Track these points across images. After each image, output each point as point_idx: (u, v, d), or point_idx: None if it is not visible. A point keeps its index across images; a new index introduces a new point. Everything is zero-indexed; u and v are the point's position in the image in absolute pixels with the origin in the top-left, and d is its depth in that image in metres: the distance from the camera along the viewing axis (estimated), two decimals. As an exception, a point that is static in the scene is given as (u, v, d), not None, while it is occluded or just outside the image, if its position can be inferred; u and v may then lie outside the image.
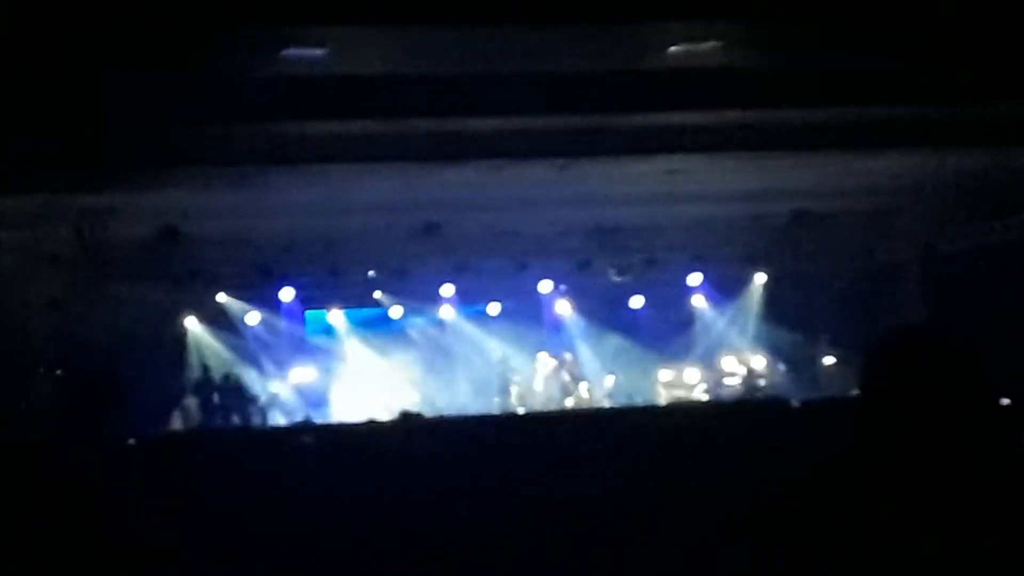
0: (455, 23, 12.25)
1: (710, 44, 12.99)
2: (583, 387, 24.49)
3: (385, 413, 20.62)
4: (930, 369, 3.20)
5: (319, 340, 25.33)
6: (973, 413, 3.16)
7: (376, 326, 25.50)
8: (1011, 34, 12.54)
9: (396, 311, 25.13)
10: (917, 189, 20.06)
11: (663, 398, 24.37)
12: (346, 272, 22.96)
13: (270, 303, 23.87)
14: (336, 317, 25.24)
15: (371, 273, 23.59)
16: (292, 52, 12.49)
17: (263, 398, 23.47)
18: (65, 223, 18.82)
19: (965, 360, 3.22)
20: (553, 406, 24.11)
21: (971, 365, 3.21)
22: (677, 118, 15.12)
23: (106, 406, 7.13)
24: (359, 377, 24.94)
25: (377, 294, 24.51)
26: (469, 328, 25.72)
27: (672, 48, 13.03)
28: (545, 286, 24.70)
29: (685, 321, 25.77)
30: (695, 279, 24.98)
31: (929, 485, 3.11)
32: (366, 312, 25.39)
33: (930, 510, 3.07)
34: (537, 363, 24.96)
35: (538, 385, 24.78)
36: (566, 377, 24.67)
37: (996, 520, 3.02)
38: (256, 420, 22.43)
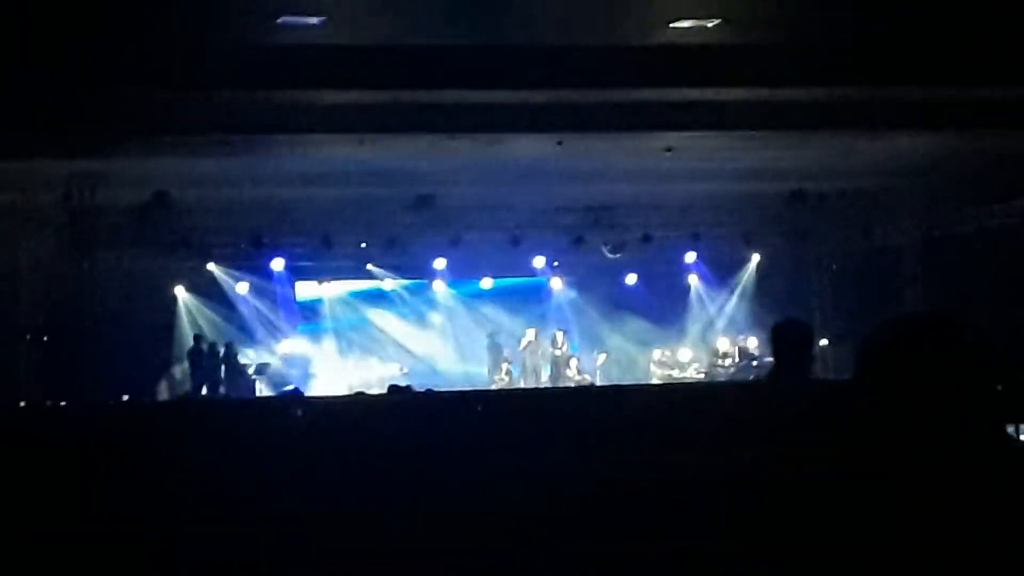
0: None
1: (712, 21, 12.88)
2: (573, 363, 24.33)
3: (375, 386, 20.51)
4: (932, 358, 3.12)
5: (309, 311, 25.22)
6: (975, 402, 3.08)
7: (371, 301, 25.42)
8: (1014, 18, 12.46)
9: (388, 285, 25.02)
10: (916, 171, 19.97)
11: (656, 377, 24.23)
12: (338, 243, 22.74)
13: (261, 273, 23.72)
14: (327, 289, 25.15)
15: (363, 245, 23.36)
16: (288, 20, 12.35)
17: (252, 368, 23.35)
18: (54, 188, 18.71)
19: (969, 350, 3.15)
20: (543, 383, 23.97)
21: (975, 355, 3.14)
22: (676, 95, 15.01)
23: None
24: (348, 350, 24.88)
25: (369, 266, 24.35)
26: (461, 302, 25.61)
27: (673, 24, 12.91)
28: (538, 261, 24.58)
29: (679, 299, 25.66)
30: (690, 257, 24.88)
31: (926, 475, 3.02)
32: (364, 290, 25.34)
33: (926, 498, 2.98)
34: (527, 338, 24.82)
35: (528, 361, 24.64)
36: (557, 353, 24.51)
37: (995, 510, 2.93)
38: (244, 390, 22.31)
